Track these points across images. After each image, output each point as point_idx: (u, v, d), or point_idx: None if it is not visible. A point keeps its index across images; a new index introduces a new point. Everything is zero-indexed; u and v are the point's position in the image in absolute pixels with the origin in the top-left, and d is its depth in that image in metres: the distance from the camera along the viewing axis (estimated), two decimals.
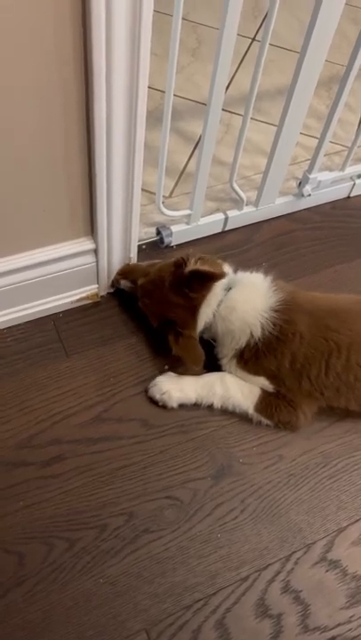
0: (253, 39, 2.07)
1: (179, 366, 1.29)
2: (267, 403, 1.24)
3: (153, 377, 1.29)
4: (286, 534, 1.16)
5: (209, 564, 1.12)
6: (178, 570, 1.11)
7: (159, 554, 1.12)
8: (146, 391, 1.28)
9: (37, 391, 1.27)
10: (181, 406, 1.27)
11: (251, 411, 1.25)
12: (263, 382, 1.23)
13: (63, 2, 0.86)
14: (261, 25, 2.11)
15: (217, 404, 1.25)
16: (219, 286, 1.21)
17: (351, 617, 1.10)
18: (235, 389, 1.24)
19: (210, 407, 1.26)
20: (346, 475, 1.24)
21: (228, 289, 1.22)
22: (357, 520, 1.19)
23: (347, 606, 1.11)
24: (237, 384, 1.25)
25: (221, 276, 1.18)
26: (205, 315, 1.22)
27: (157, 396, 1.26)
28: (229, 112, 1.80)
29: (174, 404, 1.26)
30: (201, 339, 1.26)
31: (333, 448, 1.27)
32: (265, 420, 1.25)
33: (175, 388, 1.25)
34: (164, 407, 1.26)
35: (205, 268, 1.17)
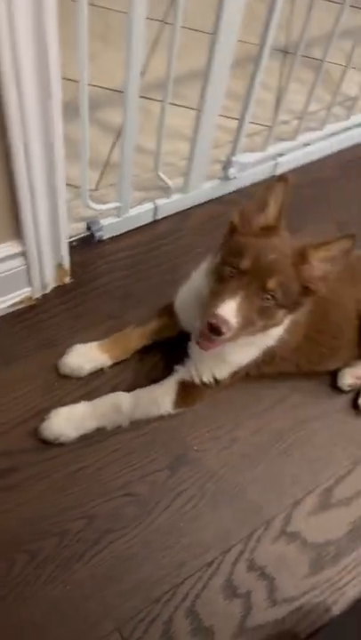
0: (163, 22, 2.04)
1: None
2: (186, 393, 1.23)
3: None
4: (246, 514, 1.19)
5: (174, 555, 1.12)
6: (144, 565, 1.11)
7: (124, 552, 1.11)
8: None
9: None
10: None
11: (171, 409, 1.23)
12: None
13: None
14: (171, 6, 2.08)
15: (125, 421, 1.22)
16: None
17: (315, 583, 1.14)
18: (142, 399, 1.21)
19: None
20: (297, 448, 1.28)
21: None
22: (312, 491, 1.23)
23: (310, 574, 1.15)
24: (142, 394, 1.22)
25: None
26: None
27: (53, 440, 1.18)
28: (148, 98, 1.78)
29: (74, 439, 1.19)
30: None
31: (283, 424, 1.30)
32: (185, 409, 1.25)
33: (70, 427, 1.18)
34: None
35: None
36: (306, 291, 1.04)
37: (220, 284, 1.02)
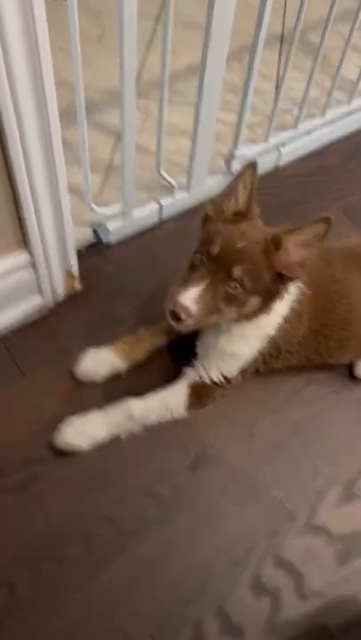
0: (156, 20, 2.02)
1: None
2: (197, 394, 1.22)
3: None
4: (270, 510, 1.18)
5: (200, 555, 1.12)
6: (171, 567, 1.11)
7: (150, 555, 1.11)
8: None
9: None
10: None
11: (184, 413, 1.23)
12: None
13: None
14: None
15: (138, 428, 1.21)
16: None
17: (344, 576, 1.13)
18: (154, 405, 1.21)
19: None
20: (316, 441, 1.27)
21: None
22: (335, 483, 1.22)
23: (338, 567, 1.14)
24: (153, 399, 1.21)
25: None
26: None
27: (65, 450, 1.19)
28: (146, 99, 1.77)
29: (86, 449, 1.19)
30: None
31: (300, 417, 1.29)
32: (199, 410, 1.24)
33: (82, 437, 1.18)
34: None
35: None
36: (283, 278, 1.03)
37: (190, 271, 1.03)
